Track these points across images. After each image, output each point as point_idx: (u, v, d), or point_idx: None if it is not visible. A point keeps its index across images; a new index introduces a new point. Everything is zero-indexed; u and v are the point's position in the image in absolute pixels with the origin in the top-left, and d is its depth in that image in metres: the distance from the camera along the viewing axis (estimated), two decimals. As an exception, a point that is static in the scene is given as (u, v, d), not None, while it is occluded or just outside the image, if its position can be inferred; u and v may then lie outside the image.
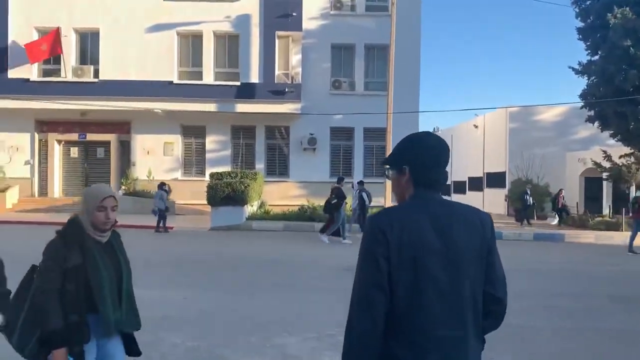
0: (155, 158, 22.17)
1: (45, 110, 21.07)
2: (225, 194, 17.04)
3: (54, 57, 21.29)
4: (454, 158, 38.49)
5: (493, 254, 1.89)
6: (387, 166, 2.00)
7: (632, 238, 13.79)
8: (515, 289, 6.64)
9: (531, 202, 22.48)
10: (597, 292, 8.58)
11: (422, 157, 1.89)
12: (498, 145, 30.03)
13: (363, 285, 1.75)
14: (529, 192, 22.76)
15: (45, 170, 22.28)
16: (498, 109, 30.70)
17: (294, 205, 19.81)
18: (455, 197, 37.63)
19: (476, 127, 33.67)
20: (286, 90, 20.87)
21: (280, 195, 22.16)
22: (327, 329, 5.81)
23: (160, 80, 21.02)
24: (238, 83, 21.23)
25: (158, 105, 21.03)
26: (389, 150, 20.08)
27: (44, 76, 21.58)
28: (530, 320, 6.53)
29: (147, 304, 6.80)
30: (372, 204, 16.58)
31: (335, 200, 14.21)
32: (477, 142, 33.63)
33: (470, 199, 33.22)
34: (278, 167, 22.87)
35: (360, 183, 16.75)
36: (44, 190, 22.36)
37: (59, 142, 22.50)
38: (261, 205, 19.78)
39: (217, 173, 18.61)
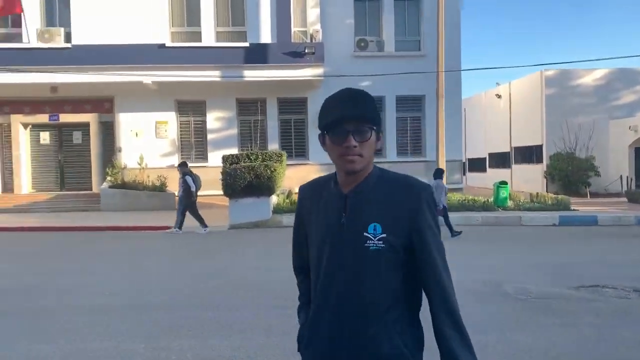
0: (145, 141, 18.08)
1: (6, 86, 16.75)
2: (247, 182, 13.18)
3: (13, 19, 16.98)
4: (468, 133, 35.08)
5: None
6: (371, 127, 1.64)
7: None
8: None
9: None
10: None
11: None
12: (530, 115, 26.55)
13: None
14: None
15: (10, 160, 18.00)
16: (528, 75, 27.27)
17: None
18: (471, 176, 34.35)
19: (499, 97, 30.16)
20: (305, 51, 16.89)
21: (300, 181, 17.79)
22: None
23: (148, 43, 16.86)
24: (246, 44, 17.18)
25: (147, 75, 16.88)
26: (442, 123, 16.42)
27: (1, 42, 17.23)
28: None
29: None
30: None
31: None
32: (500, 113, 30.16)
33: (492, 177, 29.79)
34: (295, 148, 18.99)
35: (183, 165, 12.83)
36: (9, 185, 18.12)
37: (25, 125, 18.22)
38: (288, 194, 15.91)
39: (232, 156, 14.65)
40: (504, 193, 14.75)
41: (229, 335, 4.80)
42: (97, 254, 9.90)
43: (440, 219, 11.58)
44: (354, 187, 1.66)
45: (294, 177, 18.38)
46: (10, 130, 17.93)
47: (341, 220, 1.65)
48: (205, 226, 12.54)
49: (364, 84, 18.51)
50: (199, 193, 13.02)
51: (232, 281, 7.08)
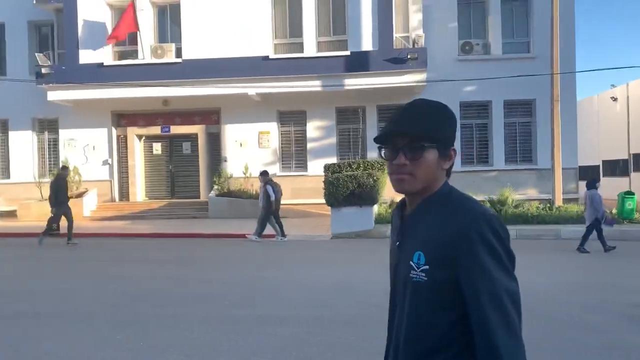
0: (249, 151, 18.53)
1: (123, 100, 17.93)
2: (350, 191, 13.02)
3: (130, 36, 18.11)
4: (579, 139, 32.64)
5: None
6: (427, 144, 1.45)
7: None
8: None
9: None
10: None
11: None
12: (653, 118, 24.25)
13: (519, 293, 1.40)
14: None
15: (126, 170, 19.20)
16: (651, 74, 24.96)
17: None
18: (582, 185, 31.91)
19: (614, 99, 27.87)
20: (408, 56, 16.51)
21: (400, 189, 17.89)
22: None
23: (253, 56, 17.29)
24: (347, 53, 17.11)
25: (251, 87, 17.30)
26: (558, 129, 15.37)
27: (119, 59, 18.46)
28: None
29: None
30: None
31: None
32: (615, 117, 27.83)
33: (607, 186, 27.37)
34: (395, 156, 18.58)
35: (264, 174, 13.10)
36: (125, 193, 19.30)
37: (140, 137, 19.35)
38: (390, 204, 15.58)
39: (334, 164, 14.60)
40: (630, 204, 13.43)
41: (355, 355, 4.57)
42: (214, 261, 10.13)
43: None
44: (412, 208, 1.52)
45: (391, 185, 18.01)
46: (126, 142, 19.11)
47: (397, 244, 1.54)
48: (259, 236, 12.65)
49: (468, 89, 17.82)
50: (281, 202, 13.29)
51: (355, 293, 6.88)
